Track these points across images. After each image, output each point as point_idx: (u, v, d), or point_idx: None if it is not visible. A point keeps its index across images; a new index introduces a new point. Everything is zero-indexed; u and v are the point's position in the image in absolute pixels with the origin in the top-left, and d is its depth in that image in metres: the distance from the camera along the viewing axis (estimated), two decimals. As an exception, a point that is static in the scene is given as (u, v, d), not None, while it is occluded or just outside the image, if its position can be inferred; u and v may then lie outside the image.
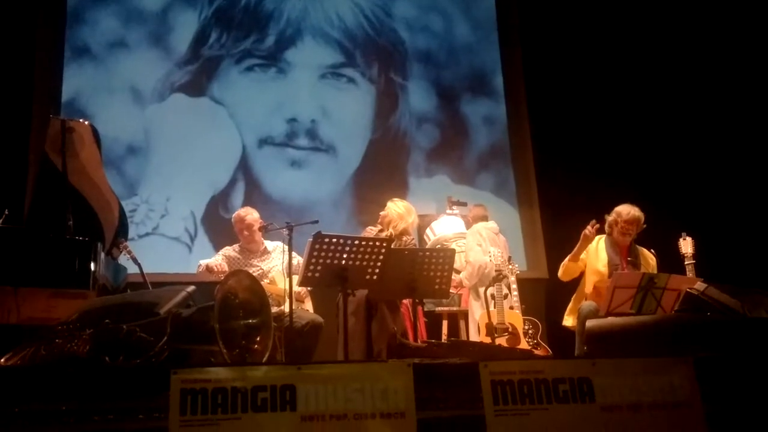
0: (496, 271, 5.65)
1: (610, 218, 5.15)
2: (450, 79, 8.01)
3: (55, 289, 4.02)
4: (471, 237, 6.05)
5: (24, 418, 2.29)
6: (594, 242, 5.12)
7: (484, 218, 6.28)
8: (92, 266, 4.04)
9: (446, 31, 8.15)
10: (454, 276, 5.22)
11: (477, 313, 5.80)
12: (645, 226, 5.10)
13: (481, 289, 5.74)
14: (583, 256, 5.11)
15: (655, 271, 5.03)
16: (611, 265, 4.99)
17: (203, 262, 5.35)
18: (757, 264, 6.36)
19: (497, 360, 2.45)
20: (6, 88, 6.59)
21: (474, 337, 5.69)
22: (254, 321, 3.49)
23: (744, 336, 3.44)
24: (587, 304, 4.74)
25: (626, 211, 5.09)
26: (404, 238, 5.29)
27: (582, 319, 4.61)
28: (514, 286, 5.95)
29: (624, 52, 7.63)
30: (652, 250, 5.18)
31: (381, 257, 4.25)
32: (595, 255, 5.08)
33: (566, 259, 5.13)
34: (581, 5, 7.80)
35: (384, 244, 4.31)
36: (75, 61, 7.14)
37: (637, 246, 5.17)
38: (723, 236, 6.55)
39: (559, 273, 5.18)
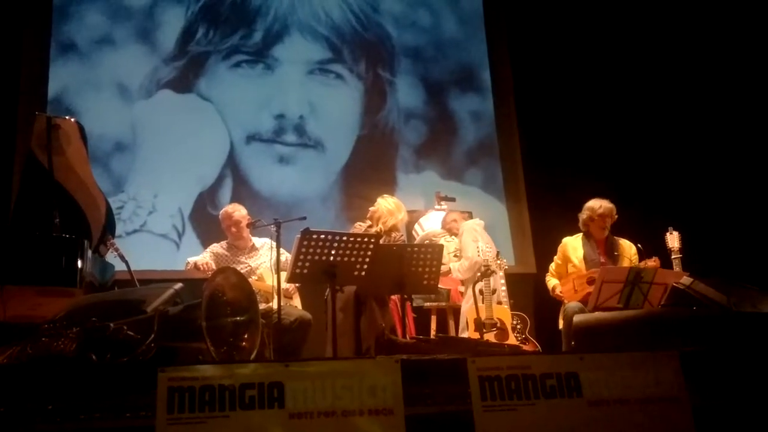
0: (484, 266, 5.65)
1: (583, 216, 5.16)
2: (438, 75, 8.01)
3: (42, 287, 3.99)
4: (467, 233, 6.02)
5: (10, 417, 2.28)
6: (570, 241, 5.16)
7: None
8: (79, 264, 4.02)
9: (434, 27, 8.15)
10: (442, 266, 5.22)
11: (464, 306, 5.80)
12: (617, 216, 5.13)
13: (469, 285, 5.75)
14: (559, 261, 5.15)
15: (636, 260, 5.06)
16: (588, 260, 5.00)
17: (191, 259, 5.33)
18: (743, 258, 6.39)
19: (485, 356, 2.46)
20: (-9, 85, 6.55)
21: (462, 332, 5.70)
22: (242, 318, 3.49)
23: (730, 330, 3.47)
24: (572, 305, 4.73)
25: (598, 205, 5.11)
26: (393, 235, 5.29)
27: (568, 319, 4.59)
28: (502, 281, 5.95)
29: (611, 48, 7.64)
30: (639, 245, 5.19)
31: (369, 253, 4.24)
32: (573, 252, 5.10)
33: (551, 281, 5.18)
34: (568, 0, 7.82)
35: (372, 240, 4.30)
36: (61, 58, 7.09)
37: (615, 237, 5.18)
38: (709, 231, 6.58)
39: (551, 288, 5.18)
